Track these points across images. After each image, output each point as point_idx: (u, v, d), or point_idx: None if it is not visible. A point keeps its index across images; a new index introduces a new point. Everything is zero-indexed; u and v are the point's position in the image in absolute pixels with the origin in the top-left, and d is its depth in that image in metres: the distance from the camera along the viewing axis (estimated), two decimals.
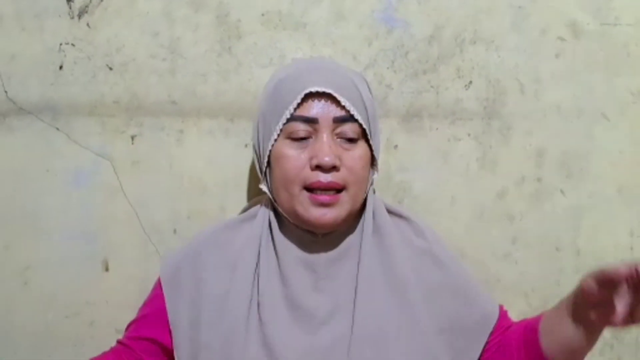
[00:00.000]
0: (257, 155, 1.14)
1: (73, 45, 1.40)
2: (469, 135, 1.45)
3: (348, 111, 1.07)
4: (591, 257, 1.47)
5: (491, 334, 1.15)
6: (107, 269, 1.41)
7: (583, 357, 1.09)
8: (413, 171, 1.43)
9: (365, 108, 1.10)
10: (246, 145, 1.41)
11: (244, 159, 1.41)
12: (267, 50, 1.41)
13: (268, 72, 1.39)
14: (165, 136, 1.40)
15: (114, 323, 1.41)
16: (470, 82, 1.44)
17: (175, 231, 1.41)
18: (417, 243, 1.16)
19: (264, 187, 1.13)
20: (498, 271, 1.45)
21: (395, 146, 1.43)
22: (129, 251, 1.41)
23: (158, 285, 1.17)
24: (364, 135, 1.10)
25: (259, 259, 1.10)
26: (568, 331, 1.05)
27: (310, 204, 1.06)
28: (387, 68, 1.42)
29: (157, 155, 1.41)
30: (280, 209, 1.12)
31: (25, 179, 1.40)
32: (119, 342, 1.18)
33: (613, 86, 1.46)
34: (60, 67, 1.40)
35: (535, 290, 1.46)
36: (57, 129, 1.40)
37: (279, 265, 1.10)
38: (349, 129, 1.07)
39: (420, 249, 1.15)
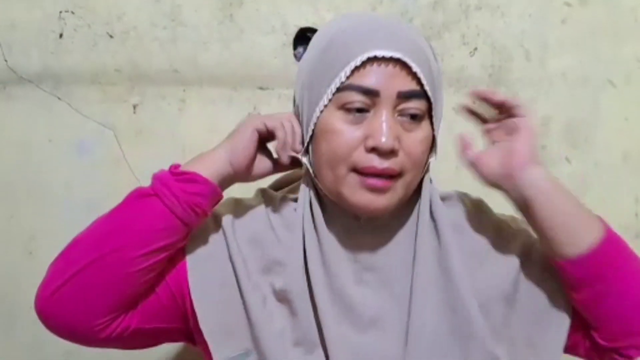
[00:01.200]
0: (300, 119, 0.96)
1: (73, 13, 1.38)
2: (474, 103, 1.43)
3: (419, 84, 0.88)
4: None
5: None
6: None
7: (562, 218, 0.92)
8: None
9: (433, 80, 0.90)
10: (249, 114, 1.40)
11: None
12: (269, 18, 1.39)
13: (270, 39, 1.38)
14: (167, 105, 1.39)
15: None
16: (476, 48, 1.42)
17: None
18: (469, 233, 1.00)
19: (304, 160, 0.95)
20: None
21: None
22: None
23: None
24: (428, 112, 0.91)
25: (304, 243, 0.95)
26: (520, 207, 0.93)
27: (359, 188, 0.88)
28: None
29: (159, 124, 1.40)
30: (321, 187, 0.94)
31: (27, 148, 1.40)
32: None
33: (619, 52, 1.45)
34: (61, 36, 1.38)
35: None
36: (59, 98, 1.38)
37: (321, 252, 0.94)
38: (415, 105, 0.88)
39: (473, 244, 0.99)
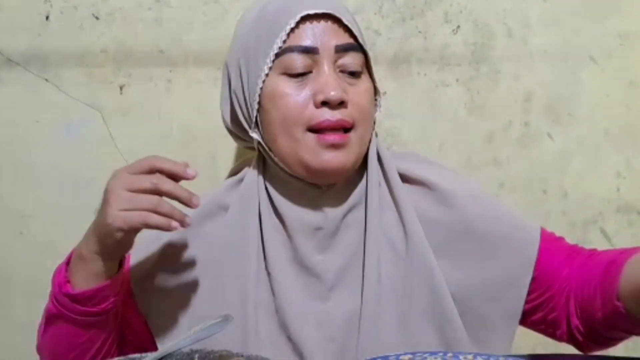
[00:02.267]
0: (239, 102, 0.98)
1: None
2: (457, 80, 1.45)
3: (353, 37, 0.93)
4: (578, 199, 1.49)
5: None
6: None
7: None
8: (401, 117, 1.44)
9: (362, 35, 0.96)
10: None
11: None
12: None
13: None
14: (154, 86, 1.41)
15: None
16: (458, 26, 1.44)
17: None
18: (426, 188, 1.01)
19: (254, 135, 0.96)
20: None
21: (384, 93, 1.43)
22: None
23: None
24: (366, 67, 0.96)
25: (261, 224, 0.96)
26: None
27: (319, 148, 0.90)
28: (375, 13, 1.41)
29: (146, 105, 1.41)
30: (277, 160, 0.96)
31: (16, 130, 1.41)
32: None
33: (601, 29, 1.46)
34: (47, 18, 1.39)
35: None
36: (46, 80, 1.40)
37: (284, 227, 0.96)
38: (352, 60, 0.93)
39: (430, 193, 1.00)
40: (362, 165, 1.00)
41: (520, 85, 1.46)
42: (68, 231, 1.42)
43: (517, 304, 0.97)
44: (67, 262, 0.93)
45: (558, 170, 1.49)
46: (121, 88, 1.41)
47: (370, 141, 0.99)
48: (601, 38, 1.46)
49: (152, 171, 0.85)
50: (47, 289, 1.42)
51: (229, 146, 1.41)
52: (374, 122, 1.00)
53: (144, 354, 0.66)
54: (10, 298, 1.44)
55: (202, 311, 0.95)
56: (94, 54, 1.40)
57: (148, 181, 0.84)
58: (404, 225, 0.97)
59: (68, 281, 0.90)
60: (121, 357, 0.66)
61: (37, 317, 1.42)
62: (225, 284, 0.96)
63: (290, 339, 0.93)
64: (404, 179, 1.00)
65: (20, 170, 1.42)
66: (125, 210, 0.83)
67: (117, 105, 1.41)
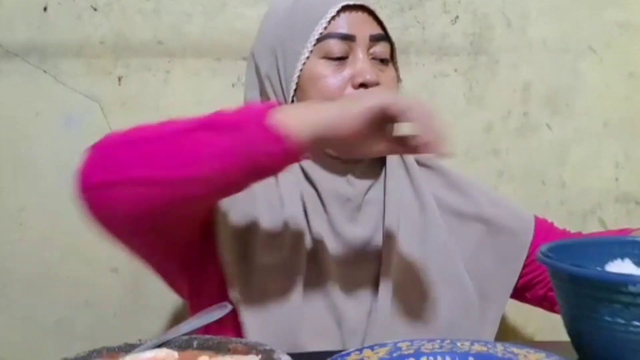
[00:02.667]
0: (273, 86, 1.02)
1: None
2: (455, 70, 1.45)
3: (383, 29, 1.01)
4: (576, 189, 1.50)
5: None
6: None
7: None
8: None
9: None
10: (233, 85, 1.42)
11: (232, 99, 1.42)
12: None
13: (254, 10, 1.38)
14: (152, 77, 1.41)
15: (109, 262, 1.44)
16: (457, 17, 1.44)
17: None
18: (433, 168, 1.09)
19: None
20: None
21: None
22: None
23: None
24: (391, 56, 1.04)
25: (302, 193, 1.00)
26: None
27: None
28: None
29: (144, 96, 1.41)
30: None
31: (15, 122, 1.41)
32: None
33: (600, 19, 1.47)
34: (45, 9, 1.39)
35: None
36: (44, 71, 1.40)
37: (320, 198, 1.00)
38: (382, 49, 1.01)
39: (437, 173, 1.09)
40: None
41: (519, 75, 1.46)
42: (68, 223, 1.43)
43: (512, 279, 1.07)
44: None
45: (557, 161, 1.49)
46: (120, 79, 1.41)
47: None
48: (600, 28, 1.47)
49: None
50: (47, 280, 1.44)
51: None
52: None
53: (143, 340, 0.66)
54: (10, 290, 1.44)
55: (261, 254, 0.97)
56: (93, 45, 1.40)
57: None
58: (420, 202, 1.05)
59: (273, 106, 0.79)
60: (121, 344, 0.66)
61: (37, 307, 1.44)
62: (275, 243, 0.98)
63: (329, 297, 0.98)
64: (418, 163, 1.08)
65: (20, 162, 1.42)
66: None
67: (115, 96, 1.41)
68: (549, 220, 1.14)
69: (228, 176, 0.78)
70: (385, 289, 0.99)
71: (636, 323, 0.65)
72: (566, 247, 0.83)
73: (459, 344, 0.78)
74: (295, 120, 0.77)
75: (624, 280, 0.66)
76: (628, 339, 0.66)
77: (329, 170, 1.01)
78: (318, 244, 0.98)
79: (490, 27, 1.44)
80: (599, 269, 0.80)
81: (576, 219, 1.49)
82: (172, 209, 0.84)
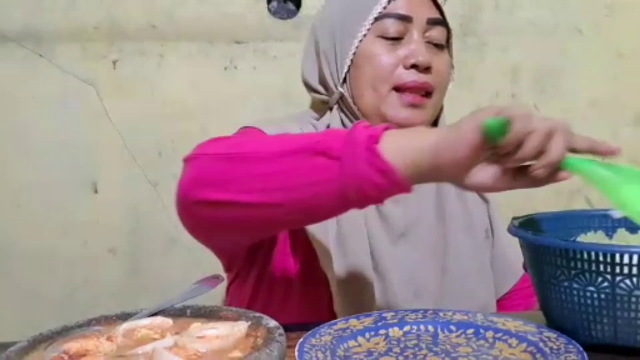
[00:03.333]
0: (329, 60, 1.04)
1: None
2: None
3: (440, 13, 1.02)
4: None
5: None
6: (96, 191, 1.47)
7: None
8: None
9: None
10: (226, 68, 1.44)
11: (224, 81, 1.45)
12: None
13: None
14: (146, 60, 1.44)
15: (105, 242, 1.48)
16: None
17: (160, 154, 1.46)
18: None
19: (342, 89, 1.03)
20: None
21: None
22: (116, 174, 1.46)
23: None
24: (447, 42, 1.05)
25: None
26: None
27: (399, 106, 0.99)
28: None
29: (138, 79, 1.44)
30: (358, 113, 1.02)
31: (12, 105, 1.44)
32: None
33: (587, 1, 1.48)
34: None
35: (508, 204, 1.50)
36: (40, 55, 1.43)
37: None
38: (438, 33, 1.02)
39: None
40: None
41: (507, 57, 1.48)
42: (65, 204, 1.47)
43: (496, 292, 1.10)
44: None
45: None
46: (114, 63, 1.43)
47: (442, 108, 1.09)
48: (587, 10, 1.48)
49: None
50: (45, 260, 1.48)
51: (221, 120, 1.44)
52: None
53: (140, 309, 0.69)
54: (10, 267, 1.48)
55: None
56: (88, 29, 1.42)
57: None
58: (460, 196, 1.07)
59: (377, 138, 0.71)
60: (118, 313, 0.70)
61: (35, 287, 1.48)
62: None
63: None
64: None
65: (18, 144, 1.45)
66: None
67: (110, 80, 1.44)
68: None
69: (325, 205, 0.74)
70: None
71: (591, 288, 0.69)
72: (540, 220, 0.86)
73: (441, 314, 0.81)
74: (399, 148, 0.69)
75: (576, 248, 0.70)
76: (584, 303, 0.70)
77: None
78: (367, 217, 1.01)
79: (479, 9, 1.46)
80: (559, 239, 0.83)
81: (563, 198, 1.51)
82: (263, 230, 0.88)
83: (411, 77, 0.98)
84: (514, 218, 0.83)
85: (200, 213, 0.82)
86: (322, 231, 0.98)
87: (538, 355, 0.68)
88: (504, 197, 1.48)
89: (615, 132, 1.52)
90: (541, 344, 0.70)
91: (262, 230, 0.90)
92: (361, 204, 0.73)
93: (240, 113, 1.44)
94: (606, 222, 0.88)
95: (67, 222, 1.48)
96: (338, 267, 0.98)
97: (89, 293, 1.48)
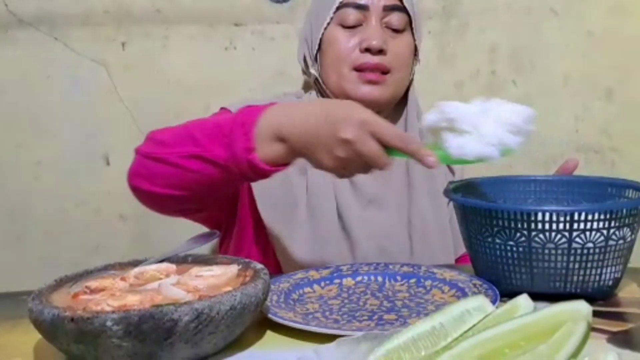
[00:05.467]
0: (307, 44, 1.20)
1: None
2: (429, 33, 1.59)
3: (400, 0, 1.13)
4: (540, 140, 1.64)
5: None
6: (108, 163, 1.59)
7: None
8: None
9: (411, 1, 1.16)
10: (226, 49, 1.56)
11: (224, 61, 1.57)
12: None
13: None
14: (152, 42, 1.55)
15: (117, 210, 1.60)
16: None
17: None
18: None
19: (313, 70, 1.19)
20: None
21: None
22: (126, 147, 1.55)
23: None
24: (410, 27, 1.16)
25: None
26: None
27: (359, 82, 1.12)
28: None
29: (145, 59, 1.56)
30: (329, 92, 1.17)
31: (29, 85, 1.56)
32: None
33: None
34: None
35: (489, 172, 1.60)
36: (56, 38, 1.54)
37: None
38: (397, 18, 1.13)
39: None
40: (401, 107, 1.21)
41: (486, 37, 1.60)
42: (79, 176, 1.59)
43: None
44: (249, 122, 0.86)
45: None
46: (123, 45, 1.55)
47: (409, 87, 1.20)
48: None
49: None
50: (63, 226, 1.60)
51: (222, 97, 1.55)
52: (413, 73, 1.20)
53: (148, 257, 0.82)
54: (29, 236, 1.60)
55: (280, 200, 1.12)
56: (98, 14, 1.54)
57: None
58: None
59: (253, 149, 0.84)
60: (130, 260, 0.82)
61: (54, 252, 1.60)
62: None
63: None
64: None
65: (34, 121, 1.57)
66: None
67: (119, 60, 1.56)
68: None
69: (225, 192, 1.04)
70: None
71: (510, 243, 0.81)
72: (479, 184, 0.99)
73: (390, 267, 0.93)
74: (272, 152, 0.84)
75: (497, 208, 0.82)
76: (505, 256, 0.82)
77: None
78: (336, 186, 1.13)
79: None
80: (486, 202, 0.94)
81: (539, 167, 1.63)
82: (194, 204, 1.03)
83: (365, 59, 1.11)
84: (450, 182, 0.95)
85: (140, 196, 0.98)
86: (290, 202, 1.12)
87: (461, 297, 0.80)
88: (485, 167, 1.61)
89: (586, 106, 1.64)
90: (467, 289, 0.82)
91: (194, 204, 1.04)
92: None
93: (239, 90, 1.55)
94: (529, 185, 1.00)
95: (81, 192, 1.60)
96: (307, 229, 1.11)
97: (102, 257, 1.60)
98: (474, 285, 0.83)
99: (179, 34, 1.56)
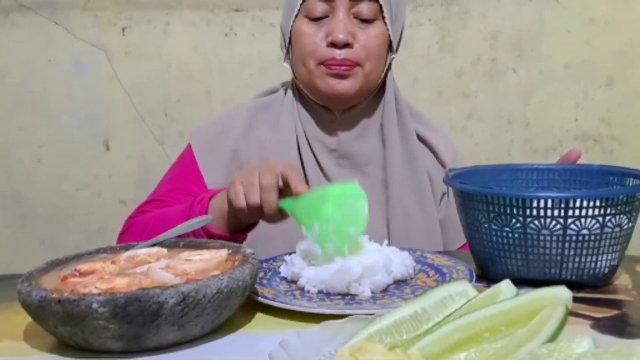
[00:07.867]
0: (281, 36, 1.17)
1: None
2: (429, 20, 1.59)
3: None
4: (539, 128, 1.64)
5: None
6: (108, 148, 1.60)
7: None
8: None
9: None
10: (226, 34, 1.56)
11: (225, 47, 1.57)
12: None
13: None
14: (153, 28, 1.56)
15: (118, 194, 1.61)
16: None
17: (166, 114, 1.58)
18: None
19: (286, 64, 1.16)
20: (455, 144, 1.62)
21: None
22: (126, 132, 1.59)
23: (188, 153, 1.17)
24: (381, 15, 1.09)
25: (297, 131, 1.14)
26: None
27: (326, 76, 1.07)
28: None
29: (146, 45, 1.56)
30: (300, 85, 1.14)
31: (30, 69, 1.57)
32: (141, 211, 1.16)
33: None
34: None
35: (488, 159, 1.63)
36: (56, 23, 1.55)
37: (307, 139, 1.14)
38: (365, 8, 1.07)
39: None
40: (377, 101, 1.16)
41: (487, 24, 1.59)
42: (80, 160, 1.60)
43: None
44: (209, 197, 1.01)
45: (522, 102, 1.63)
46: (123, 30, 1.56)
47: (383, 80, 1.14)
48: None
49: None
50: (65, 210, 1.61)
51: (222, 82, 1.57)
52: (389, 65, 1.14)
53: (140, 242, 0.83)
54: (31, 218, 1.62)
55: None
56: None
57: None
58: (411, 162, 1.15)
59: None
60: (123, 244, 0.83)
61: (55, 234, 1.62)
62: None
63: None
64: (418, 137, 1.19)
65: (36, 105, 1.58)
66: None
67: (120, 46, 1.56)
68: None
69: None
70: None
71: (506, 229, 0.80)
72: (479, 172, 0.97)
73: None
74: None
75: (494, 194, 0.81)
76: (501, 242, 0.82)
77: (317, 121, 1.14)
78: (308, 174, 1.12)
79: None
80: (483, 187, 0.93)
81: (539, 156, 1.63)
82: None
83: (331, 54, 1.06)
84: (450, 170, 0.95)
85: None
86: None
87: (440, 281, 0.80)
88: (485, 155, 1.60)
89: (587, 92, 1.63)
90: (448, 275, 0.82)
91: None
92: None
93: (239, 75, 1.56)
94: (532, 174, 0.98)
95: (82, 176, 1.62)
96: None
97: (103, 240, 1.62)
98: (457, 271, 0.83)
99: (180, 20, 1.56)
